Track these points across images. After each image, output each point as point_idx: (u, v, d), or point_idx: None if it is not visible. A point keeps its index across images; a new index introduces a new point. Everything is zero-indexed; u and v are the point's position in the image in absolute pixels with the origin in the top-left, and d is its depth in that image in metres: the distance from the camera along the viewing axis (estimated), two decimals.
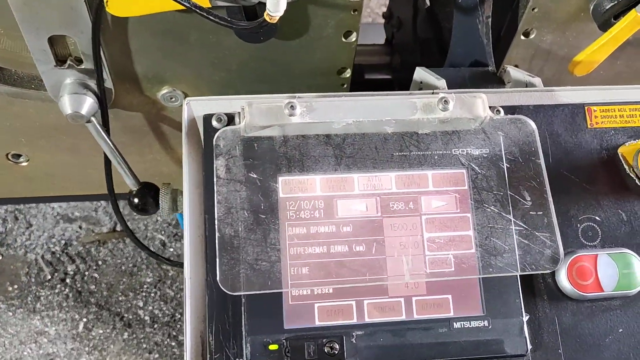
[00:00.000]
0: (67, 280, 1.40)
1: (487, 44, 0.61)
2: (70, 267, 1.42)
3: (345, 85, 0.71)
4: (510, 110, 0.53)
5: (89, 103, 0.65)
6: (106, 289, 1.42)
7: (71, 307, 1.39)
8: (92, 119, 0.65)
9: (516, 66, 0.68)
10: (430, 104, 0.48)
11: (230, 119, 0.50)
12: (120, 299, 1.40)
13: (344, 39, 0.64)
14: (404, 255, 0.47)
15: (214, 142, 0.47)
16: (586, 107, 0.54)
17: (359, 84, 0.96)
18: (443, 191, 0.50)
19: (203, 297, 0.47)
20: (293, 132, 0.48)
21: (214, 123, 0.50)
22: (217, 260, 0.44)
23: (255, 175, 0.46)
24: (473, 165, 0.49)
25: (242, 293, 0.44)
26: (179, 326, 1.38)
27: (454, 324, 0.47)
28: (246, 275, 0.44)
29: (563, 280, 0.49)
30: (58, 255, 1.44)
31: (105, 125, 0.67)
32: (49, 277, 1.40)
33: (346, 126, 0.48)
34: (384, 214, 0.49)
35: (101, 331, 1.36)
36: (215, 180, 0.46)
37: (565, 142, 0.53)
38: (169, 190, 0.50)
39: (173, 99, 0.70)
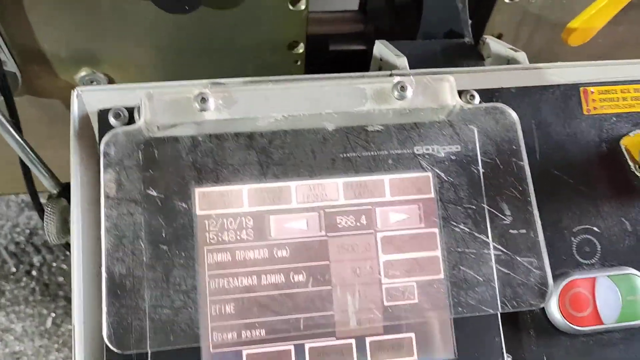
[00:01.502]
0: (33, 273, 1.34)
1: (462, 9, 0.50)
2: (36, 258, 1.35)
3: (299, 62, 0.61)
4: (487, 94, 0.42)
5: None
6: None
7: (38, 302, 1.33)
8: None
9: (500, 36, 0.57)
10: (383, 90, 0.37)
11: (133, 115, 0.39)
12: None
13: (291, 7, 0.53)
14: (349, 293, 0.37)
15: (101, 149, 0.36)
16: (581, 89, 0.44)
17: (328, 57, 0.85)
18: (403, 201, 0.39)
19: (99, 349, 0.37)
20: (208, 131, 0.38)
21: (112, 121, 0.39)
22: (104, 308, 0.34)
23: (154, 193, 0.36)
24: (437, 170, 0.38)
25: (135, 352, 0.34)
26: None
27: None
28: (141, 328, 0.34)
29: (554, 311, 0.39)
30: (23, 246, 1.37)
31: (12, 116, 0.57)
32: (14, 269, 1.33)
33: (275, 122, 0.37)
34: (330, 232, 0.39)
35: (71, 327, 1.28)
36: (102, 200, 0.35)
37: (556, 134, 0.42)
38: (58, 207, 0.39)
39: (94, 83, 0.59)
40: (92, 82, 0.59)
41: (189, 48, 0.57)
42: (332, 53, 0.85)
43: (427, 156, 0.38)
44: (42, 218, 0.64)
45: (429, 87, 0.38)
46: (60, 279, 1.36)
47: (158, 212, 0.36)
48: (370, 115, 0.38)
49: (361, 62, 0.89)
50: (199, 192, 0.38)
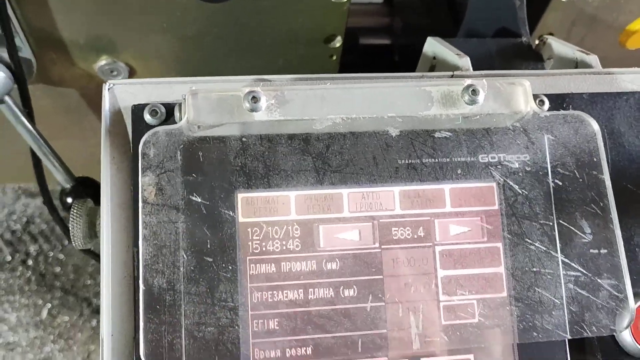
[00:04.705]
0: (30, 262, 1.30)
1: (519, 6, 0.46)
2: (33, 247, 1.32)
3: (334, 57, 0.57)
4: (556, 100, 0.39)
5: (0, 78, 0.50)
6: (72, 271, 1.32)
7: (34, 292, 1.29)
8: (7, 98, 0.51)
9: (550, 35, 0.53)
10: (451, 93, 0.34)
11: (171, 112, 0.36)
12: (87, 282, 1.30)
13: None
14: (403, 310, 0.34)
15: (139, 149, 0.32)
16: None
17: (350, 51, 0.82)
18: (464, 212, 0.36)
19: None
20: (257, 132, 0.34)
21: (148, 118, 0.35)
22: (141, 325, 0.30)
23: (199, 199, 0.32)
24: (510, 182, 0.35)
25: None
26: None
27: None
28: (183, 346, 0.31)
29: (625, 335, 0.36)
30: (19, 234, 1.34)
31: (25, 106, 0.53)
32: (9, 258, 1.30)
33: (332, 125, 0.34)
34: (384, 244, 0.35)
35: (67, 318, 1.27)
36: (140, 205, 0.32)
37: (629, 145, 0.39)
38: (85, 209, 0.35)
39: (115, 73, 0.55)
40: (112, 71, 0.55)
41: (217, 40, 0.53)
42: (357, 47, 0.81)
43: (499, 166, 0.35)
44: (53, 215, 0.60)
45: (502, 92, 0.34)
46: (57, 269, 1.33)
47: (203, 220, 0.32)
48: (436, 120, 0.34)
49: (386, 58, 0.85)
50: (241, 197, 0.34)
